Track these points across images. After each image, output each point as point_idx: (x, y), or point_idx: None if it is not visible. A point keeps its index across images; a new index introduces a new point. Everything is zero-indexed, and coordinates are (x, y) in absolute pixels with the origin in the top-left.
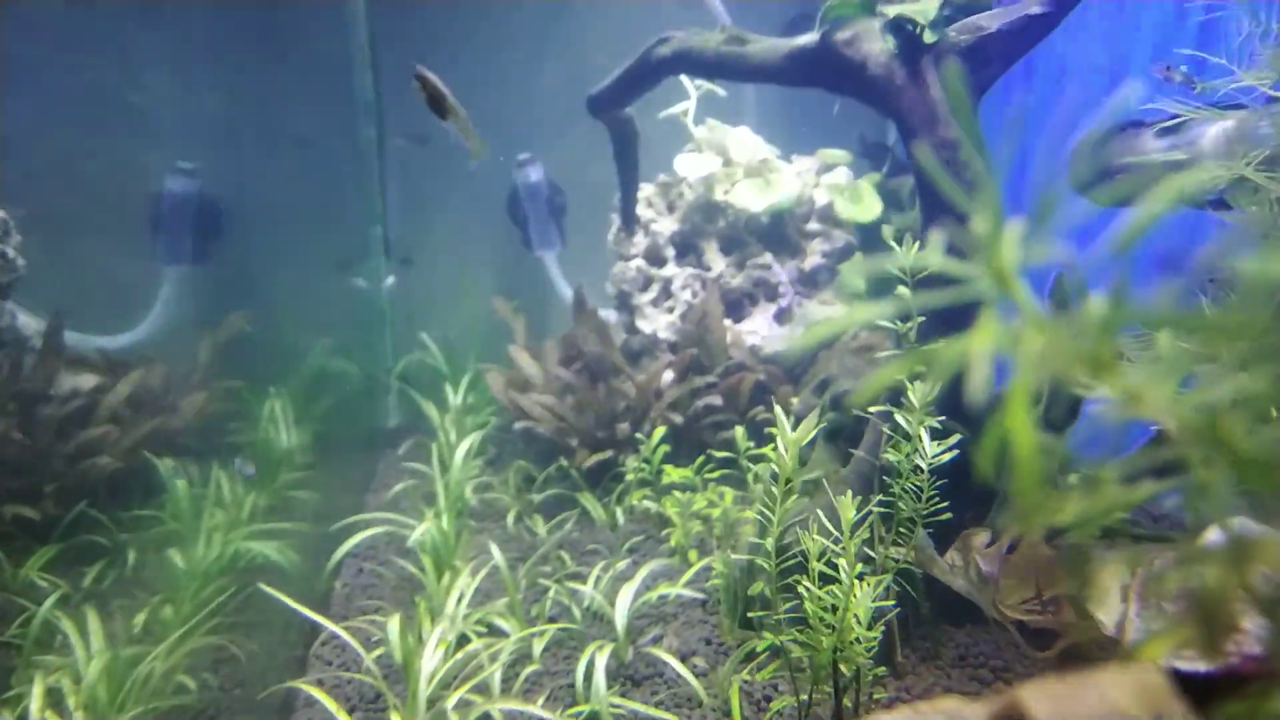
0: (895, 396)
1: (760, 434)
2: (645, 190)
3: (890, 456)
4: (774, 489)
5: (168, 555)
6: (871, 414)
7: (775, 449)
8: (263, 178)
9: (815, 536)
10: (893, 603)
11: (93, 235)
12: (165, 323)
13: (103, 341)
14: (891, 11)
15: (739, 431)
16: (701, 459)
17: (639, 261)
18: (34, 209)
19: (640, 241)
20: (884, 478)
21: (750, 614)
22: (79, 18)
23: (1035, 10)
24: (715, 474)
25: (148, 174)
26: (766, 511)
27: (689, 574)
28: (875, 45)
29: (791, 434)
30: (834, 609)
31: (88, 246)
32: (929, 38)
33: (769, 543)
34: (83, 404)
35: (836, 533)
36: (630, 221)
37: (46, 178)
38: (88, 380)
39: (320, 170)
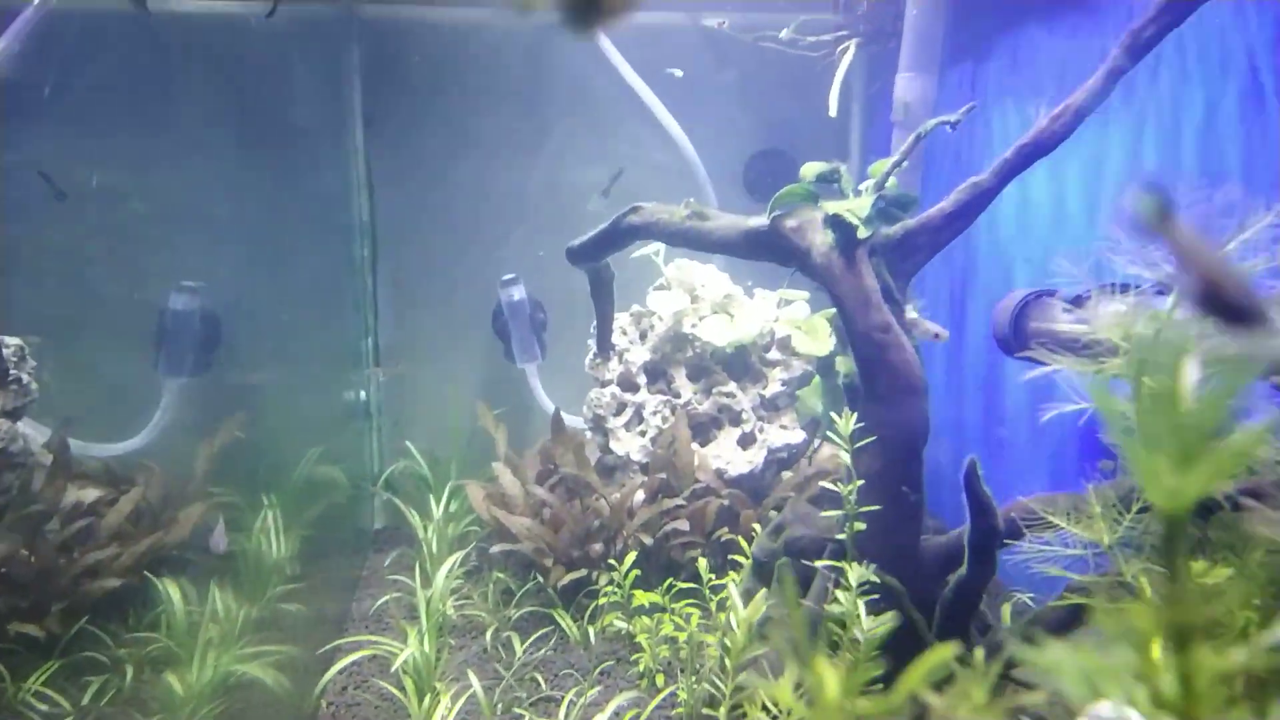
0: (840, 549)
1: (725, 554)
2: (620, 319)
3: (833, 609)
4: (727, 661)
5: (164, 677)
6: (819, 566)
7: (729, 613)
8: (261, 291)
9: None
10: None
11: (94, 343)
12: (164, 431)
13: (103, 449)
14: (831, 208)
15: (702, 564)
16: (669, 581)
17: (613, 388)
18: (36, 317)
19: (615, 368)
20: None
21: None
22: (86, 125)
23: (950, 209)
24: (681, 602)
25: (151, 285)
26: (719, 683)
27: (656, 701)
28: (818, 235)
29: (744, 612)
30: None
31: (89, 354)
32: (863, 233)
33: (722, 713)
34: (87, 523)
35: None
36: (605, 350)
37: (50, 285)
38: (90, 493)
39: (316, 285)
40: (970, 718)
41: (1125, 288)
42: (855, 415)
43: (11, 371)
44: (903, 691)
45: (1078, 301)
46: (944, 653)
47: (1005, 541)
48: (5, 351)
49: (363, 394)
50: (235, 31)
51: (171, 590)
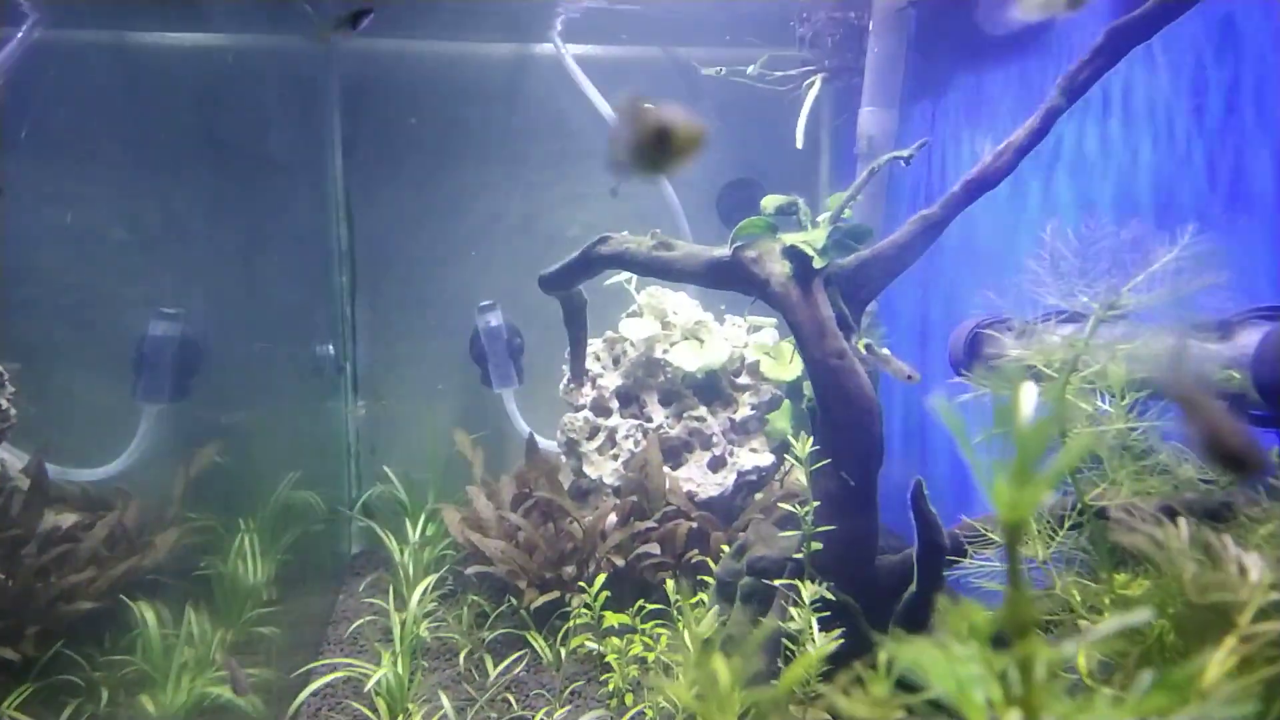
0: (799, 568)
1: (695, 575)
2: (593, 345)
3: (789, 627)
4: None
5: (139, 700)
6: (779, 585)
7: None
8: (241, 318)
9: None
10: None
11: (74, 368)
12: (141, 456)
13: (81, 474)
14: (788, 240)
15: (670, 585)
16: (640, 602)
17: (586, 413)
18: (15, 342)
19: (588, 393)
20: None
21: None
22: (67, 155)
23: (901, 240)
24: (650, 624)
25: (130, 312)
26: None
27: None
28: (776, 266)
29: (699, 628)
30: None
31: (68, 380)
32: (818, 263)
33: None
34: (65, 548)
35: None
36: (579, 376)
37: (30, 310)
38: (67, 518)
39: (294, 312)
40: (852, 708)
41: (1047, 315)
42: (812, 438)
43: None
44: (787, 683)
45: (1008, 329)
46: (825, 649)
47: (951, 559)
48: None
49: (341, 419)
50: (215, 62)
51: (147, 614)
